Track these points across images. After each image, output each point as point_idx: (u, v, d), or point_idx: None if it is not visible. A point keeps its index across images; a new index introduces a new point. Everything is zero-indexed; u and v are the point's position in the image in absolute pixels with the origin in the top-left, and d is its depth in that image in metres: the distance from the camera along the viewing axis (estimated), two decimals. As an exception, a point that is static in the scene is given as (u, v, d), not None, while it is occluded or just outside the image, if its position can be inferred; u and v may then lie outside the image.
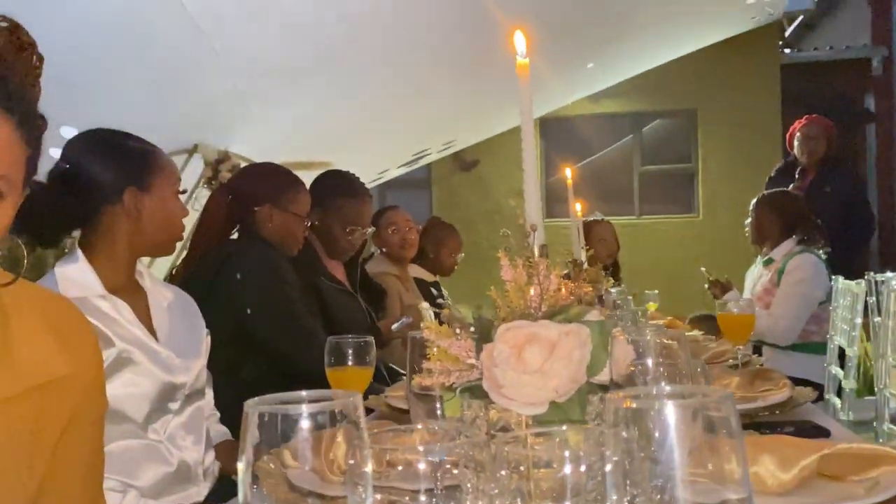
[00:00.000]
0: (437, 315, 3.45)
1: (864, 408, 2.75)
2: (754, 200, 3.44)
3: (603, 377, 0.80)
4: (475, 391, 0.83)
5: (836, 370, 2.79)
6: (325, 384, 1.47)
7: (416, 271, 3.46)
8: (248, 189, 2.19)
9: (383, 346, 2.45)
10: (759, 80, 7.82)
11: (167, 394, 1.50)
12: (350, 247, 2.51)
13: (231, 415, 1.99)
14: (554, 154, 7.97)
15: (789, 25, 9.53)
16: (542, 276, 0.82)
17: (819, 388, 2.76)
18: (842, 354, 2.85)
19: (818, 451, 1.03)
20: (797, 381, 1.95)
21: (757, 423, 1.50)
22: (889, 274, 2.89)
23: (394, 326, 2.42)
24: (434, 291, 3.47)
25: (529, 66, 0.98)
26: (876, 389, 2.40)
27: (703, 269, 3.41)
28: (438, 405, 0.98)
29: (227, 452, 1.76)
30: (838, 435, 1.43)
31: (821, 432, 1.44)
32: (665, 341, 0.83)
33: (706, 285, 3.34)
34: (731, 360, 2.02)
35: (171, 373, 1.50)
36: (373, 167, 5.58)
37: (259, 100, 3.80)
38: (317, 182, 2.56)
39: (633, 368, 0.83)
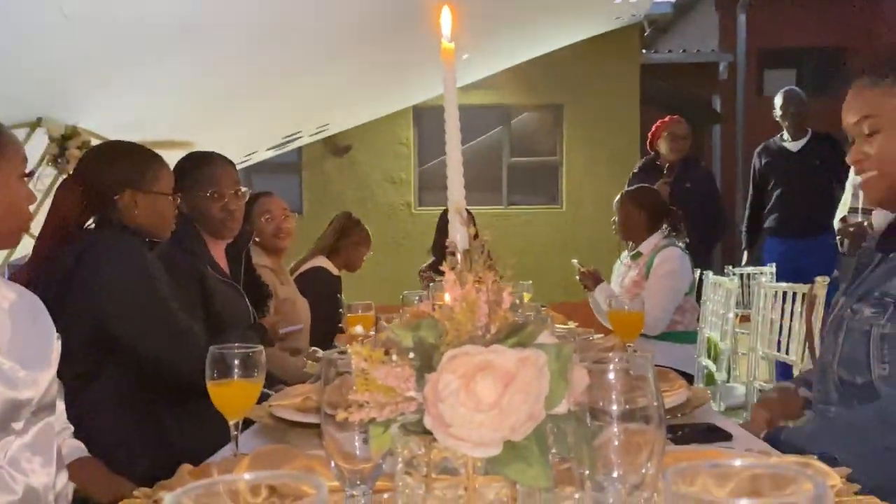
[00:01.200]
0: (337, 310, 3.28)
1: (728, 394, 2.89)
2: (619, 197, 3.52)
3: (560, 408, 0.70)
4: (412, 426, 0.71)
5: (706, 362, 2.90)
6: (201, 393, 1.29)
7: (321, 262, 3.29)
8: (104, 176, 1.93)
9: (269, 345, 2.26)
10: (621, 79, 8.14)
11: (9, 413, 1.27)
12: (225, 215, 2.28)
13: (87, 427, 1.74)
14: (426, 143, 7.92)
15: (649, 28, 10.00)
16: (492, 290, 0.70)
17: (686, 376, 2.86)
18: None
19: (749, 470, 1.00)
20: (660, 367, 1.98)
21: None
22: (760, 268, 3.03)
23: (282, 330, 2.22)
24: (337, 287, 3.32)
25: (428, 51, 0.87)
26: (746, 381, 2.50)
27: (574, 261, 3.45)
28: (358, 440, 0.84)
29: (82, 471, 1.54)
30: (740, 438, 1.43)
31: (722, 435, 1.44)
32: (626, 366, 0.74)
33: (577, 276, 3.38)
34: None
35: (14, 388, 1.27)
36: (239, 148, 5.25)
37: (113, 72, 3.42)
38: (176, 169, 2.33)
39: (587, 394, 0.74)
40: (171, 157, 2.34)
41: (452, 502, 0.68)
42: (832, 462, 1.08)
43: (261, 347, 1.30)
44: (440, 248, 4.25)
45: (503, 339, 0.70)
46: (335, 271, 3.40)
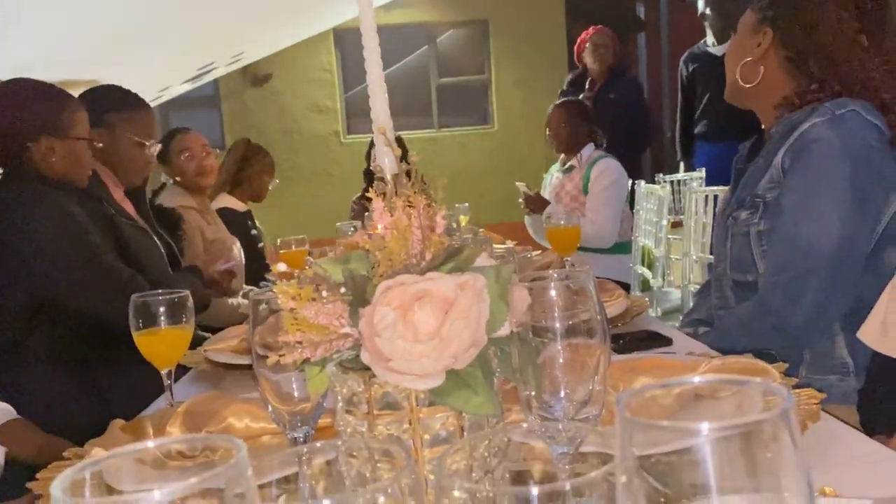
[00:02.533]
0: (255, 246, 3.17)
1: (664, 299, 2.96)
2: (550, 110, 3.49)
3: (502, 331, 0.68)
4: (350, 363, 0.67)
5: (642, 270, 2.95)
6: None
7: (225, 201, 3.14)
8: (14, 123, 1.77)
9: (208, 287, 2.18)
10: (545, -10, 8.00)
11: None
12: (145, 166, 2.18)
13: (20, 389, 1.66)
14: (351, 67, 7.66)
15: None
16: (424, 215, 0.66)
17: (623, 285, 2.92)
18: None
19: (693, 370, 1.01)
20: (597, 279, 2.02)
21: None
22: (690, 173, 3.07)
23: (218, 268, 2.13)
24: (248, 223, 3.19)
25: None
26: (681, 285, 2.56)
27: (520, 184, 3.43)
28: (295, 380, 0.81)
29: (12, 434, 1.48)
30: (679, 342, 1.45)
31: (663, 341, 1.46)
32: (566, 282, 0.71)
33: (520, 200, 3.36)
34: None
35: None
36: (151, 84, 4.96)
37: (5, 7, 3.14)
38: (85, 99, 2.17)
39: (529, 314, 0.72)
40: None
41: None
42: (770, 358, 1.10)
43: (187, 292, 1.23)
44: (370, 177, 4.16)
45: (439, 266, 0.66)
46: (241, 206, 3.26)
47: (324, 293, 0.65)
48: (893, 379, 1.21)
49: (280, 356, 0.67)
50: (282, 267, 0.66)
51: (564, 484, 0.35)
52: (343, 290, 0.65)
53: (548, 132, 3.49)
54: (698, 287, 2.68)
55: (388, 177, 0.73)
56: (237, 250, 2.84)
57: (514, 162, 7.67)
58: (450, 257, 0.67)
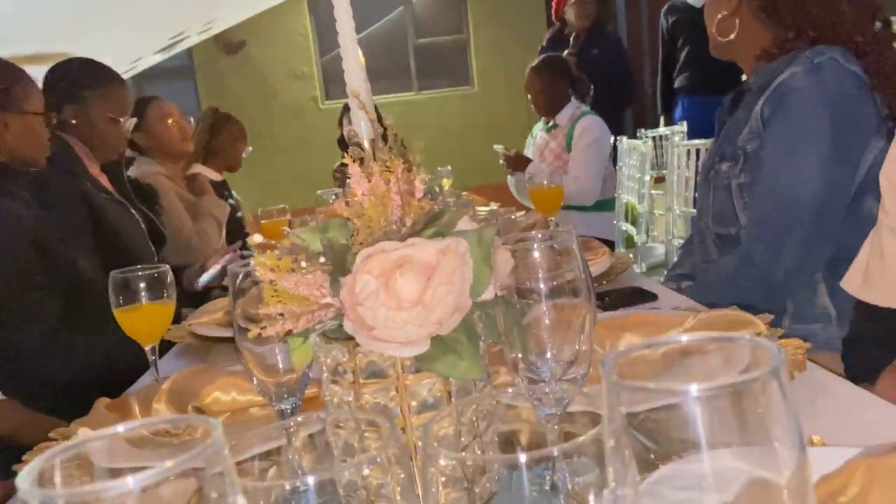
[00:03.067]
0: (234, 216, 3.13)
1: (648, 254, 2.97)
2: (529, 70, 3.45)
3: (486, 295, 0.67)
4: (333, 334, 0.66)
5: (626, 226, 2.95)
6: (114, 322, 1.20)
7: (198, 170, 3.09)
8: None
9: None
10: (520, -55, 7.85)
11: None
12: (120, 141, 2.15)
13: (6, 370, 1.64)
14: (327, 31, 7.52)
15: None
16: (403, 179, 0.64)
17: (607, 243, 2.93)
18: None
19: (679, 327, 1.01)
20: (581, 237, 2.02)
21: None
22: (671, 128, 3.05)
23: (205, 277, 2.07)
24: (224, 193, 3.14)
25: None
26: (665, 240, 2.57)
27: (497, 147, 3.40)
28: (279, 352, 0.80)
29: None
30: (665, 298, 1.46)
31: (649, 297, 1.46)
32: (550, 242, 0.70)
33: (501, 162, 3.34)
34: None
35: None
36: (122, 56, 4.85)
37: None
38: (56, 74, 2.11)
39: (513, 276, 0.71)
40: (42, 73, 2.12)
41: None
42: (754, 310, 1.11)
43: (167, 267, 1.21)
44: (345, 144, 4.08)
45: (420, 231, 0.65)
46: (216, 176, 3.21)
47: (303, 263, 0.64)
48: (877, 327, 1.22)
49: (262, 329, 0.66)
50: (258, 238, 0.65)
51: (552, 449, 0.35)
52: (322, 259, 0.64)
53: (529, 96, 3.45)
54: (682, 242, 2.69)
55: (365, 142, 0.72)
56: (222, 212, 2.81)
57: (496, 123, 7.62)
58: (430, 222, 0.66)
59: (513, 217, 2.28)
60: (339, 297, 0.62)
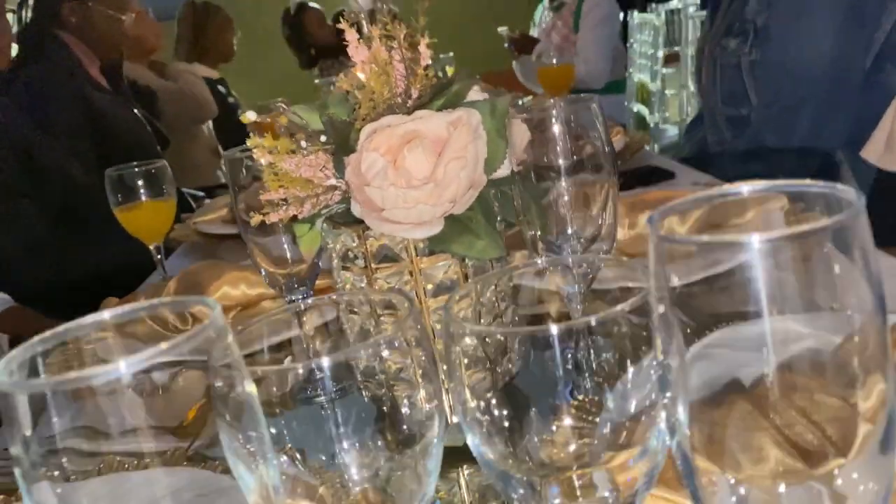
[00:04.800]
0: (234, 116, 3.06)
1: (660, 136, 2.89)
2: None
3: (502, 171, 0.62)
4: (341, 218, 0.62)
5: (639, 107, 2.86)
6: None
7: (195, 70, 2.98)
8: None
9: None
10: None
11: None
12: (121, 39, 2.06)
13: (11, 276, 1.63)
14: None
15: None
16: (406, 47, 0.59)
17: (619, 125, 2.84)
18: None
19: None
20: None
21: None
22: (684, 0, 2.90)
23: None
24: (222, 90, 3.04)
25: None
26: (679, 120, 2.48)
27: (501, 29, 3.24)
28: (285, 240, 0.76)
29: (11, 320, 1.47)
30: (681, 175, 1.41)
31: (666, 175, 1.42)
32: (569, 114, 0.65)
33: (506, 44, 3.19)
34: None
35: None
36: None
37: None
38: None
39: (530, 151, 0.66)
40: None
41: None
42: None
43: (164, 162, 1.17)
44: (299, 49, 3.81)
45: (428, 103, 0.60)
46: (213, 74, 3.09)
47: (303, 143, 0.59)
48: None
49: (264, 216, 0.62)
50: (251, 115, 0.60)
51: (589, 319, 0.31)
52: (324, 138, 0.59)
53: None
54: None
55: (363, 13, 0.65)
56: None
57: (497, 4, 7.29)
58: (439, 93, 0.60)
59: (521, 101, 2.20)
60: (344, 178, 0.58)
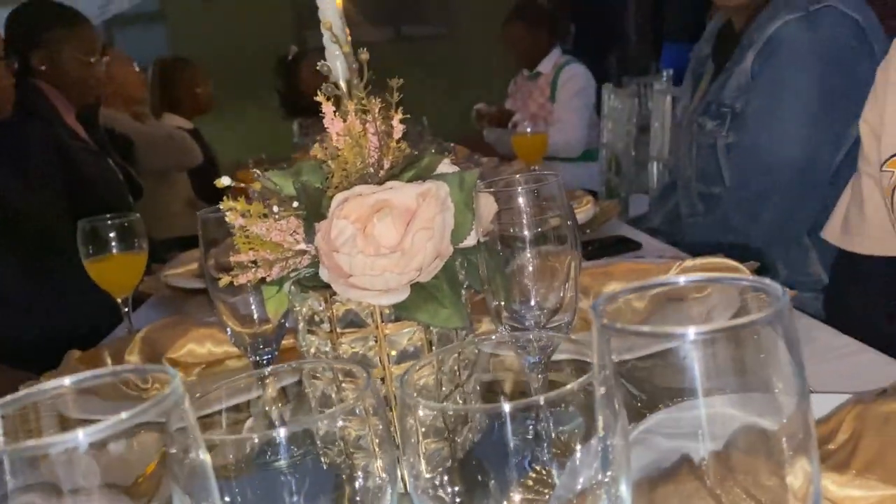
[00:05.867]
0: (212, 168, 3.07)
1: (631, 205, 2.95)
2: (505, 22, 3.34)
3: (468, 241, 0.64)
4: (309, 282, 0.64)
5: (611, 177, 2.93)
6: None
7: (170, 120, 3.01)
8: None
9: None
10: None
11: None
12: (95, 84, 2.07)
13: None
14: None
15: None
16: (379, 119, 0.61)
17: (591, 194, 2.90)
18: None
19: (664, 273, 0.99)
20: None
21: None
22: (656, 75, 3.00)
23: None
24: (198, 142, 3.07)
25: None
26: (650, 189, 2.55)
27: (478, 106, 3.33)
28: (253, 301, 0.77)
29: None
30: (648, 247, 1.44)
31: (632, 245, 1.45)
32: (534, 187, 0.68)
33: (481, 123, 3.28)
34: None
35: None
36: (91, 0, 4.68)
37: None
38: (16, 19, 2.02)
39: (496, 222, 0.68)
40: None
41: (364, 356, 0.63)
42: (738, 255, 1.09)
43: (137, 216, 1.17)
44: (286, 98, 3.82)
45: (399, 174, 0.62)
46: (187, 124, 3.13)
47: (275, 208, 0.61)
48: (856, 274, 1.21)
49: (233, 277, 0.63)
50: (225, 181, 0.61)
51: (538, 398, 0.32)
52: (296, 204, 0.61)
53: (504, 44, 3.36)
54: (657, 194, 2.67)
55: (341, 81, 0.68)
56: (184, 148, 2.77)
57: (473, 69, 7.45)
58: (410, 165, 0.63)
59: (496, 166, 2.25)
60: (314, 243, 0.60)
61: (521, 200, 0.68)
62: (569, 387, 0.33)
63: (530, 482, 0.49)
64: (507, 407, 0.32)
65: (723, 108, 1.51)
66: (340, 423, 0.36)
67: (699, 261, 1.03)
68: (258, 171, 0.62)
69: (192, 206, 2.91)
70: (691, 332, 0.27)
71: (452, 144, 2.57)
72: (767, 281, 0.29)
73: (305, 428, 0.39)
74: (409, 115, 0.63)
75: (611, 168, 2.94)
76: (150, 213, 2.61)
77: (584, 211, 1.61)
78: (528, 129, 2.01)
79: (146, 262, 1.20)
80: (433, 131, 3.34)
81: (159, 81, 3.13)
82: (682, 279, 0.32)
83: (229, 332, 0.79)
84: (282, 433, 0.36)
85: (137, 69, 2.81)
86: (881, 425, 0.51)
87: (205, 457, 0.31)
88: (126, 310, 1.19)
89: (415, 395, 0.34)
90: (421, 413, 0.34)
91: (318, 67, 0.60)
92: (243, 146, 3.94)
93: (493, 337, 0.50)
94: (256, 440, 0.35)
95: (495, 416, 0.32)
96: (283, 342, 0.83)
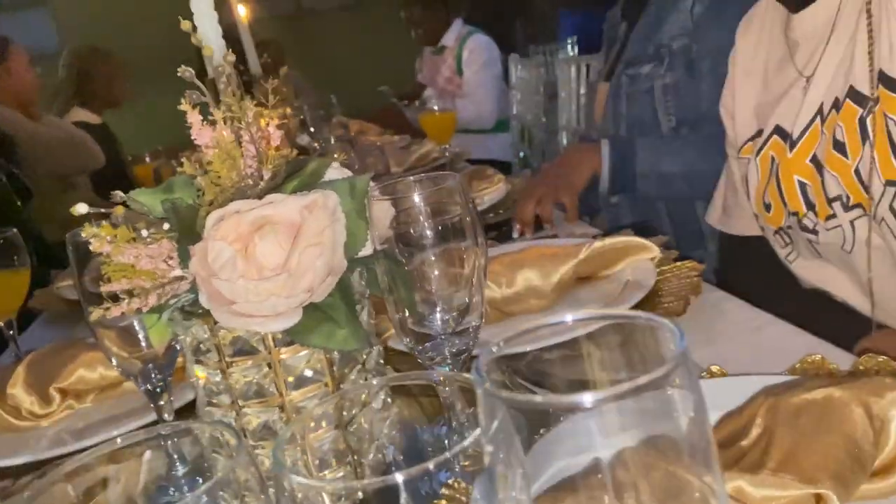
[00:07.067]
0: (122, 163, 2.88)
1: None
2: (404, 2, 3.27)
3: (365, 251, 0.60)
4: (192, 308, 0.58)
5: (522, 148, 2.92)
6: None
7: (77, 115, 2.82)
8: None
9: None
10: None
11: None
12: None
13: None
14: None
15: None
16: (255, 126, 0.56)
17: (504, 165, 2.89)
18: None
19: (575, 257, 0.98)
20: (478, 162, 1.99)
21: (485, 225, 1.46)
22: (561, 43, 2.99)
23: None
24: (107, 137, 2.89)
25: None
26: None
27: (381, 88, 3.25)
28: (138, 326, 0.71)
29: None
30: (559, 223, 1.43)
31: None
32: (431, 187, 0.64)
33: (394, 100, 3.20)
34: (439, 160, 1.95)
35: None
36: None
37: None
38: None
39: (394, 227, 0.64)
40: None
41: (259, 384, 0.58)
42: (647, 232, 1.09)
43: (14, 230, 1.07)
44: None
45: (281, 185, 0.57)
46: (95, 119, 2.94)
47: (143, 232, 0.54)
48: (743, 256, 1.21)
49: (105, 311, 0.57)
50: (81, 208, 0.55)
51: (427, 465, 0.29)
52: (167, 226, 0.55)
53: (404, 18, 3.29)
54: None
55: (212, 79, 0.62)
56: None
57: (381, 44, 7.32)
58: (293, 174, 0.57)
59: (407, 146, 2.19)
60: (189, 268, 0.54)
61: (418, 202, 0.64)
62: (465, 443, 0.30)
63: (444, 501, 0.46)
64: (399, 477, 0.28)
65: (660, 49, 1.50)
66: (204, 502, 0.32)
67: (608, 241, 1.02)
68: (121, 193, 0.55)
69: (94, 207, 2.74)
70: (588, 399, 0.23)
71: (357, 124, 2.49)
72: (664, 321, 0.26)
73: None
74: (310, 96, 0.58)
75: (522, 139, 2.94)
76: (46, 216, 2.44)
77: (496, 191, 1.59)
78: (435, 108, 1.97)
79: (28, 279, 1.11)
80: (344, 109, 3.26)
81: (76, 74, 2.91)
82: (569, 317, 0.29)
83: (115, 362, 0.72)
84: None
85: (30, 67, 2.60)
86: (793, 419, 0.50)
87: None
88: (11, 332, 1.09)
89: (291, 475, 0.30)
90: (296, 490, 0.30)
91: (178, 73, 0.53)
92: (155, 137, 3.75)
93: (394, 374, 0.46)
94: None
95: (388, 489, 0.29)
96: (179, 360, 0.77)
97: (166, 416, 0.74)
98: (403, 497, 0.29)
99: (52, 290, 1.44)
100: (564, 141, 2.56)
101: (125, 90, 3.07)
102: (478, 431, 0.29)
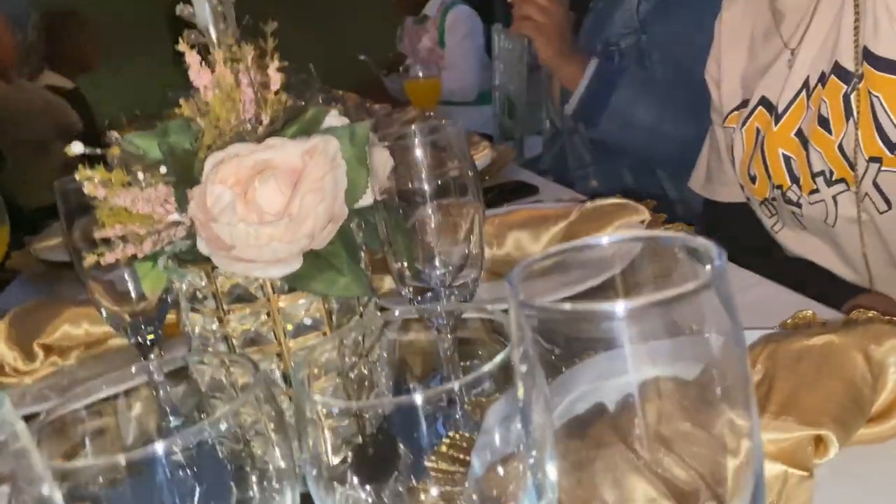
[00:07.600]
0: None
1: (527, 147, 2.95)
2: None
3: (364, 200, 0.59)
4: (187, 255, 0.57)
5: (504, 119, 2.90)
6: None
7: (50, 79, 2.75)
8: None
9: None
10: None
11: None
12: None
13: None
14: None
15: None
16: (255, 68, 0.54)
17: (486, 136, 2.87)
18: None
19: (565, 219, 0.98)
20: None
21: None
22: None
23: None
24: (78, 102, 2.82)
25: None
26: (543, 130, 2.54)
27: (362, 57, 3.21)
28: (129, 277, 0.69)
29: None
30: (545, 190, 1.43)
31: (530, 190, 1.43)
32: (432, 138, 0.63)
33: (379, 71, 3.17)
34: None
35: None
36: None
37: None
38: None
39: (393, 177, 0.63)
40: None
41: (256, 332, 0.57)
42: (639, 196, 1.09)
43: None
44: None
45: (280, 130, 0.56)
46: (67, 83, 2.86)
47: (139, 175, 0.53)
48: (726, 222, 1.22)
49: (99, 256, 0.55)
50: (77, 147, 0.53)
51: (453, 385, 0.29)
52: (163, 169, 0.53)
53: None
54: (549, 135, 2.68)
55: (210, 27, 0.60)
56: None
57: (363, 14, 7.23)
58: (292, 119, 0.56)
59: (390, 114, 2.17)
60: (187, 213, 0.53)
61: (418, 152, 0.63)
62: (485, 369, 0.29)
63: (444, 448, 0.46)
64: (418, 398, 0.28)
65: (608, 48, 1.51)
66: (222, 426, 0.31)
67: (599, 202, 1.02)
68: (117, 135, 0.54)
69: (68, 172, 2.68)
70: (620, 308, 0.23)
71: (341, 93, 2.46)
72: (700, 240, 0.26)
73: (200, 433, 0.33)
74: (288, 63, 0.56)
75: (504, 110, 2.92)
76: (20, 180, 2.39)
77: (482, 157, 1.58)
78: (420, 74, 1.95)
79: (7, 236, 1.08)
80: (322, 80, 3.20)
81: (45, 36, 2.82)
82: (604, 240, 0.29)
83: (105, 315, 0.71)
84: (160, 449, 0.31)
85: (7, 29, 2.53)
86: (794, 364, 0.50)
87: (49, 490, 0.25)
88: (-11, 292, 1.07)
89: (316, 400, 0.29)
90: (320, 407, 0.29)
91: (177, 12, 0.52)
92: (130, 102, 3.66)
93: (396, 312, 0.46)
94: (124, 462, 0.29)
95: (406, 408, 0.28)
96: (169, 317, 0.76)
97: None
98: (422, 416, 0.29)
99: (29, 251, 1.42)
100: (545, 112, 2.55)
101: (97, 55, 3.00)
102: (506, 353, 0.29)
